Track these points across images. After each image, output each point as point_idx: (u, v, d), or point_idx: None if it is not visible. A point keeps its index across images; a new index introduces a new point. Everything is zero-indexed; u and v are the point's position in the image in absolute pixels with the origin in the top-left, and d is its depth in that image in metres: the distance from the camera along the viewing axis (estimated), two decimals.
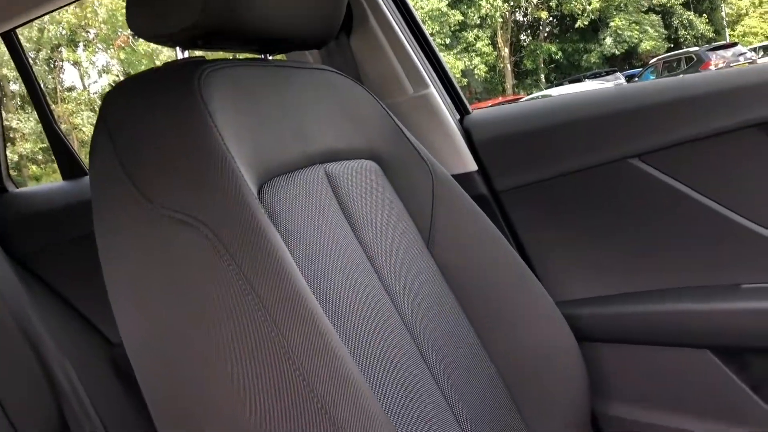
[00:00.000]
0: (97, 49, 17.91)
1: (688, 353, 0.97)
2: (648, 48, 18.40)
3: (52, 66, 17.57)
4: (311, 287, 0.64)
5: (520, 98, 14.70)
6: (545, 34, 20.69)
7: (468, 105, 1.23)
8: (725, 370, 0.95)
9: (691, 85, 0.98)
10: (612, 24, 18.29)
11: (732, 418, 0.96)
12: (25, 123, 15.29)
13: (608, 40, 18.56)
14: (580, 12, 18.36)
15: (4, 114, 1.77)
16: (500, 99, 16.48)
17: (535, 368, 0.92)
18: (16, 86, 15.76)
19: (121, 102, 0.69)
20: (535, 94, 15.52)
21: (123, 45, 16.94)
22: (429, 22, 17.39)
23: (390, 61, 1.17)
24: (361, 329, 0.69)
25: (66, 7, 1.48)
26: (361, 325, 0.69)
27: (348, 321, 0.68)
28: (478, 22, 18.54)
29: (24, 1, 1.42)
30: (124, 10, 0.73)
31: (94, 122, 0.70)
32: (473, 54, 18.54)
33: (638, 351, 1.02)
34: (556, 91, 12.99)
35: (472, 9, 18.28)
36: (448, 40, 18.11)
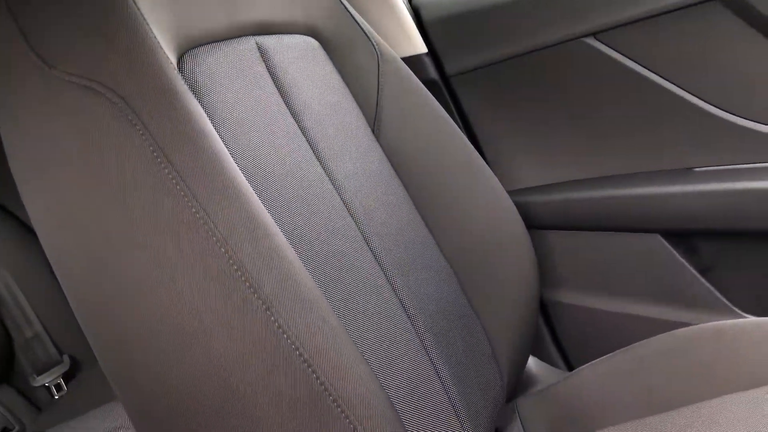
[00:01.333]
0: None
1: (638, 238, 0.96)
2: None
3: None
4: (239, 165, 0.58)
5: None
6: None
7: None
8: (675, 254, 0.94)
9: None
10: None
11: (681, 302, 0.96)
12: None
13: None
14: None
15: None
16: None
17: (486, 256, 0.89)
18: None
19: None
20: None
21: None
22: None
23: None
24: (295, 209, 0.64)
25: None
26: (295, 205, 0.64)
27: (279, 200, 0.63)
28: None
29: None
30: None
31: None
32: None
33: (588, 237, 1.00)
34: None
35: None
36: None
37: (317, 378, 0.48)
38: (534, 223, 1.02)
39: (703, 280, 0.94)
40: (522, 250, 0.95)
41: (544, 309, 1.08)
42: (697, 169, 0.93)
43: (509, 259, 0.92)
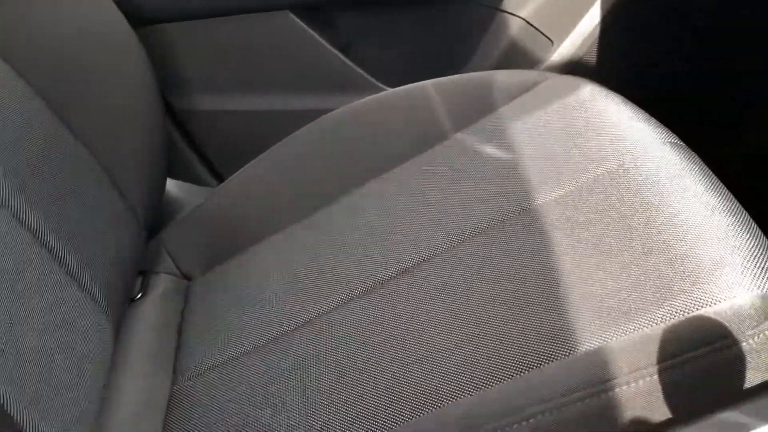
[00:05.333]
0: None
1: (264, 19, 0.82)
2: None
3: None
4: None
5: None
6: None
7: None
8: (310, 32, 0.83)
9: None
10: None
11: (324, 87, 0.87)
12: None
13: None
14: None
15: None
16: None
17: (84, 71, 0.68)
18: None
19: None
20: None
21: None
22: None
23: None
24: None
25: None
26: None
27: None
28: None
29: None
30: None
31: None
32: None
33: (209, 27, 0.84)
34: None
35: None
36: None
37: None
38: (140, 17, 0.81)
39: (344, 58, 0.85)
40: (130, 56, 0.75)
41: (177, 121, 0.91)
42: None
43: (115, 69, 0.72)
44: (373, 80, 0.85)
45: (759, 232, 0.44)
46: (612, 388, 0.39)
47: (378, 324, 0.53)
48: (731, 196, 0.48)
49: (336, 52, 0.85)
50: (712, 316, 0.38)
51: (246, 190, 0.73)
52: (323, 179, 0.71)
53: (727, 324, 0.37)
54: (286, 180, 0.73)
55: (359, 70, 0.85)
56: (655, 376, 0.38)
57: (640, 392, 0.39)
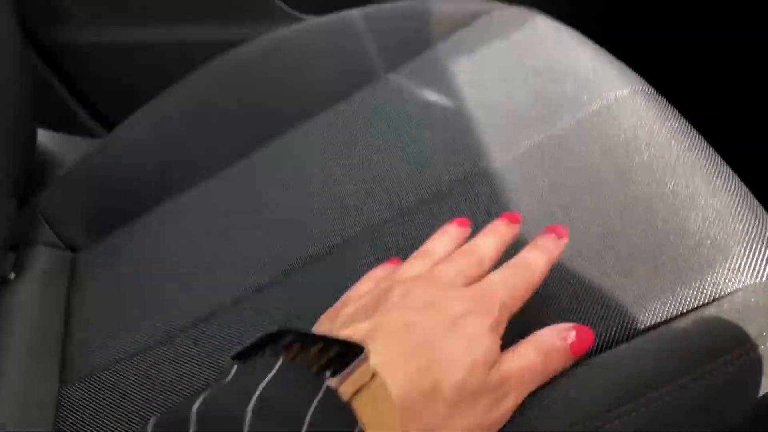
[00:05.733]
0: None
1: None
2: None
3: None
4: None
5: None
6: None
7: None
8: None
9: None
10: None
11: (233, 14, 0.75)
12: None
13: None
14: None
15: None
16: None
17: None
18: None
19: None
20: None
21: None
22: None
23: None
24: None
25: None
26: None
27: None
28: None
29: None
30: None
31: None
32: None
33: None
34: None
35: None
36: None
37: None
38: None
39: None
40: None
41: (49, 58, 0.76)
42: None
43: None
44: (288, 9, 0.74)
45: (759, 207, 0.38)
46: None
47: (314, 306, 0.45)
48: (718, 157, 0.41)
49: None
50: (723, 317, 0.32)
51: (139, 141, 0.61)
52: (232, 128, 0.60)
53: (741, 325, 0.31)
54: (186, 129, 0.61)
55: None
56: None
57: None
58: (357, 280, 0.40)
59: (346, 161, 0.53)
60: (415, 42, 0.59)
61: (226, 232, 0.52)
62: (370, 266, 0.42)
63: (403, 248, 0.45)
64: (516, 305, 0.32)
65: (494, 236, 0.37)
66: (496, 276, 0.33)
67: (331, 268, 0.46)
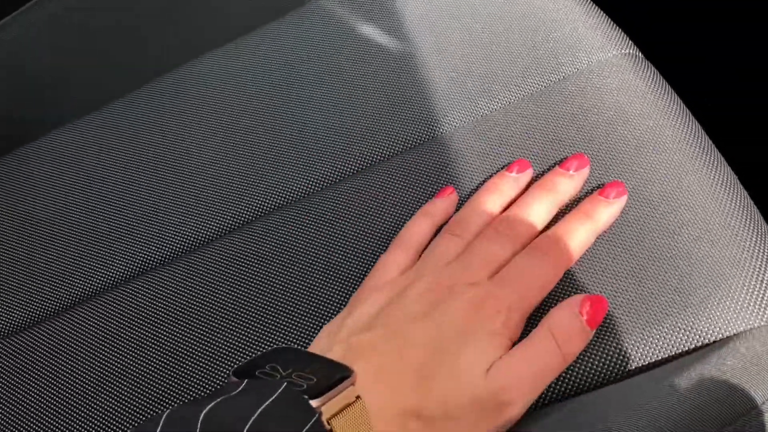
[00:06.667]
0: None
1: None
2: None
3: None
4: None
5: None
6: None
7: None
8: None
9: None
10: None
11: None
12: None
13: None
14: None
15: None
16: None
17: None
18: None
19: None
20: None
21: None
22: None
23: None
24: None
25: None
26: None
27: None
28: None
29: None
30: None
31: None
32: None
33: None
34: None
35: None
36: None
37: None
38: None
39: None
40: None
41: None
42: None
43: None
44: None
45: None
46: None
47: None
48: (723, 162, 0.35)
49: None
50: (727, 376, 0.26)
51: None
52: (124, 51, 0.49)
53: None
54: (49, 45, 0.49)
55: None
56: None
57: None
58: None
59: (265, 93, 0.43)
60: None
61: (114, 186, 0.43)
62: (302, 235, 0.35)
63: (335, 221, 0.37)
64: (530, 304, 0.30)
65: (537, 199, 0.33)
66: (512, 270, 0.31)
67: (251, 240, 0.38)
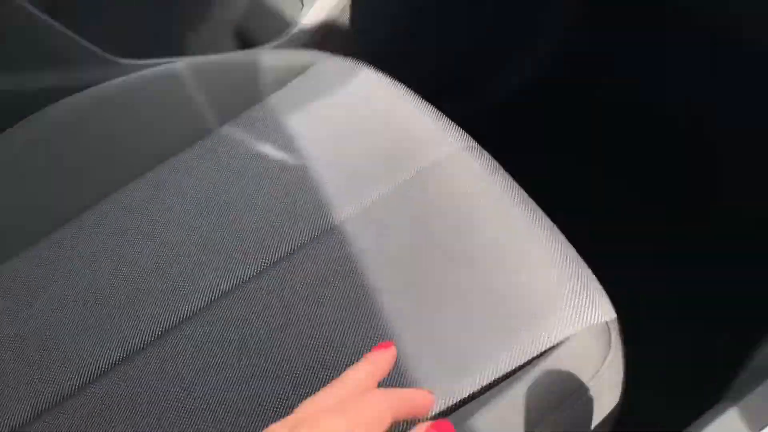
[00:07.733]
0: None
1: None
2: None
3: None
4: None
5: None
6: None
7: None
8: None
9: None
10: None
11: (45, 60, 0.69)
12: None
13: None
14: None
15: None
16: None
17: None
18: None
19: None
20: None
21: None
22: None
23: None
24: None
25: None
26: None
27: None
28: None
29: None
30: None
31: None
32: None
33: None
34: None
35: None
36: None
37: None
38: None
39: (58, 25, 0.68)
40: None
41: None
42: None
43: None
44: (101, 52, 0.70)
45: (579, 259, 0.44)
46: None
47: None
48: (540, 211, 0.47)
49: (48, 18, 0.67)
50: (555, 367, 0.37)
51: None
52: (51, 192, 0.56)
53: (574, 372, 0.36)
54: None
55: (80, 39, 0.69)
56: None
57: None
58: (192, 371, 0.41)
59: (185, 223, 0.52)
60: (247, 93, 0.59)
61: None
62: (206, 350, 0.42)
63: (249, 321, 0.45)
64: None
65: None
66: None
67: (167, 355, 0.45)
